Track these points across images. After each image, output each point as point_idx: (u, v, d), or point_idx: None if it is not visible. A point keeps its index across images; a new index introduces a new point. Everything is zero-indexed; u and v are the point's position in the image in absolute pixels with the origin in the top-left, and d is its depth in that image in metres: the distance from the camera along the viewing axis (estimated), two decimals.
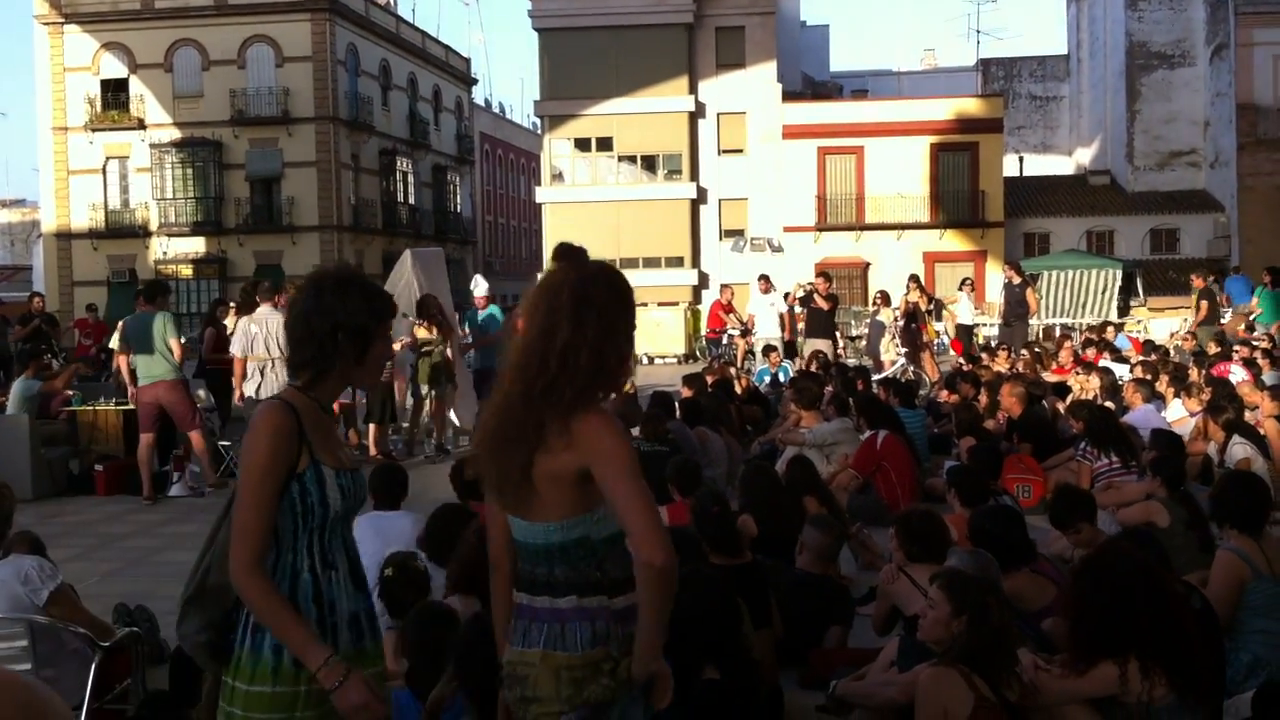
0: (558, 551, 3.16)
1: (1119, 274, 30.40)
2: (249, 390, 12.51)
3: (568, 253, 3.26)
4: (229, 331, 14.89)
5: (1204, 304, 22.01)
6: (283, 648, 3.19)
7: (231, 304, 15.97)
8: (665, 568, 3.00)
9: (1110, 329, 21.54)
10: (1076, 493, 7.13)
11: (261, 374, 12.45)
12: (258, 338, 12.44)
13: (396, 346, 14.58)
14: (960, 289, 25.31)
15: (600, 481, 3.06)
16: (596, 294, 3.17)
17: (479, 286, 16.88)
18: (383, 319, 3.39)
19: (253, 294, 14.96)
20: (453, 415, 15.70)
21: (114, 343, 15.94)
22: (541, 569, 3.19)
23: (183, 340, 12.83)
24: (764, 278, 23.17)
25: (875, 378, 16.47)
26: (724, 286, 26.43)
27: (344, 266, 3.56)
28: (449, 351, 15.02)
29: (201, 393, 14.95)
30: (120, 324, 15.94)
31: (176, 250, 49.13)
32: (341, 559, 3.35)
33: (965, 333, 24.31)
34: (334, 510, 3.30)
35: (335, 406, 15.40)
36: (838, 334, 22.85)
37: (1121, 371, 14.69)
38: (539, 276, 3.30)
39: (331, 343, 3.29)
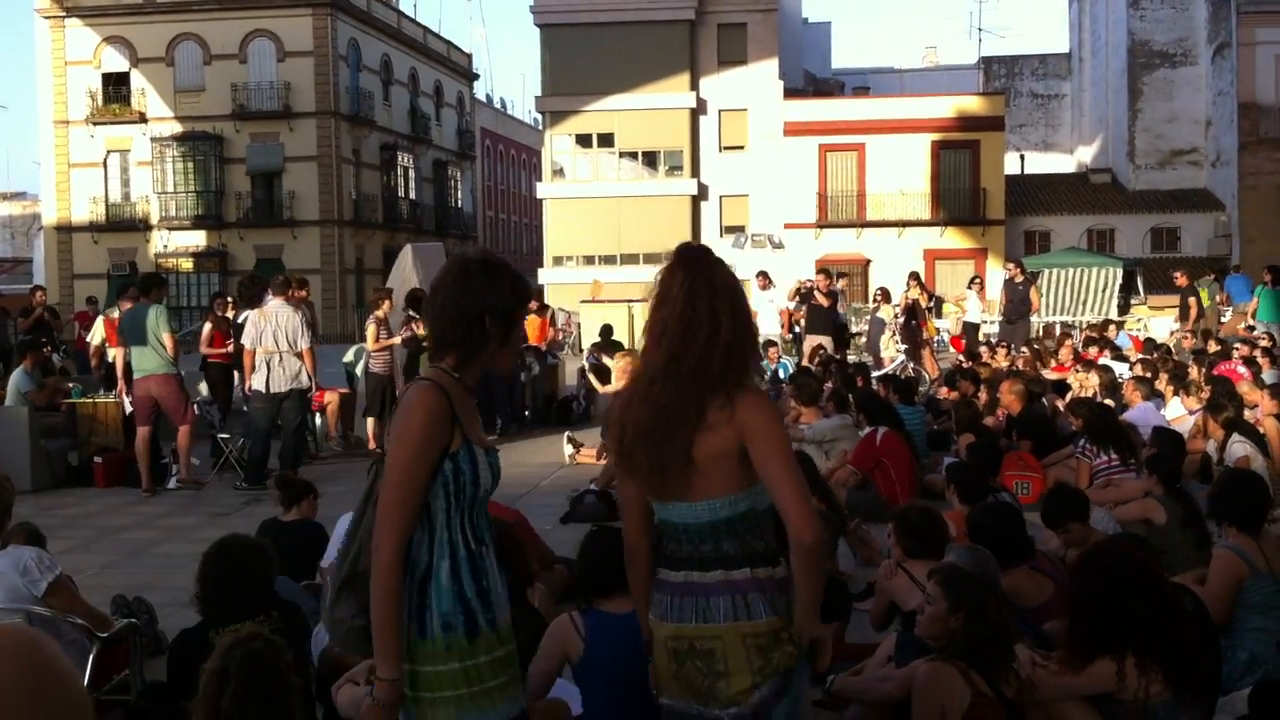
0: (725, 526, 3.31)
1: (1120, 272, 30.38)
2: (256, 383, 12.51)
3: (701, 254, 3.46)
4: (230, 326, 14.88)
5: (1191, 302, 22.26)
6: (453, 625, 3.27)
7: (230, 298, 15.96)
8: (815, 544, 3.24)
9: (1112, 328, 21.55)
10: (1067, 492, 7.12)
11: (268, 366, 12.46)
12: (267, 330, 12.46)
13: (396, 340, 14.62)
14: (969, 287, 25.34)
15: (755, 457, 3.25)
16: (740, 293, 3.45)
17: None
18: (525, 302, 3.50)
19: (252, 288, 14.96)
20: None
21: (93, 336, 15.94)
22: (708, 545, 3.33)
23: (177, 334, 12.84)
24: (762, 274, 23.16)
25: (875, 374, 16.47)
26: None
27: (487, 251, 3.65)
28: None
29: (203, 386, 14.94)
30: (102, 317, 15.99)
31: (177, 244, 49.16)
32: (488, 535, 3.44)
33: (973, 330, 24.31)
34: (484, 488, 3.39)
35: (335, 397, 15.49)
36: (849, 329, 22.88)
37: (1121, 370, 14.69)
38: (664, 277, 3.44)
39: (479, 326, 3.35)
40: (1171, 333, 23.85)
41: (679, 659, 3.36)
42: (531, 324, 17.11)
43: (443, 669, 3.27)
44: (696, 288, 3.35)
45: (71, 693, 1.37)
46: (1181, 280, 23.48)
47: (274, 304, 12.71)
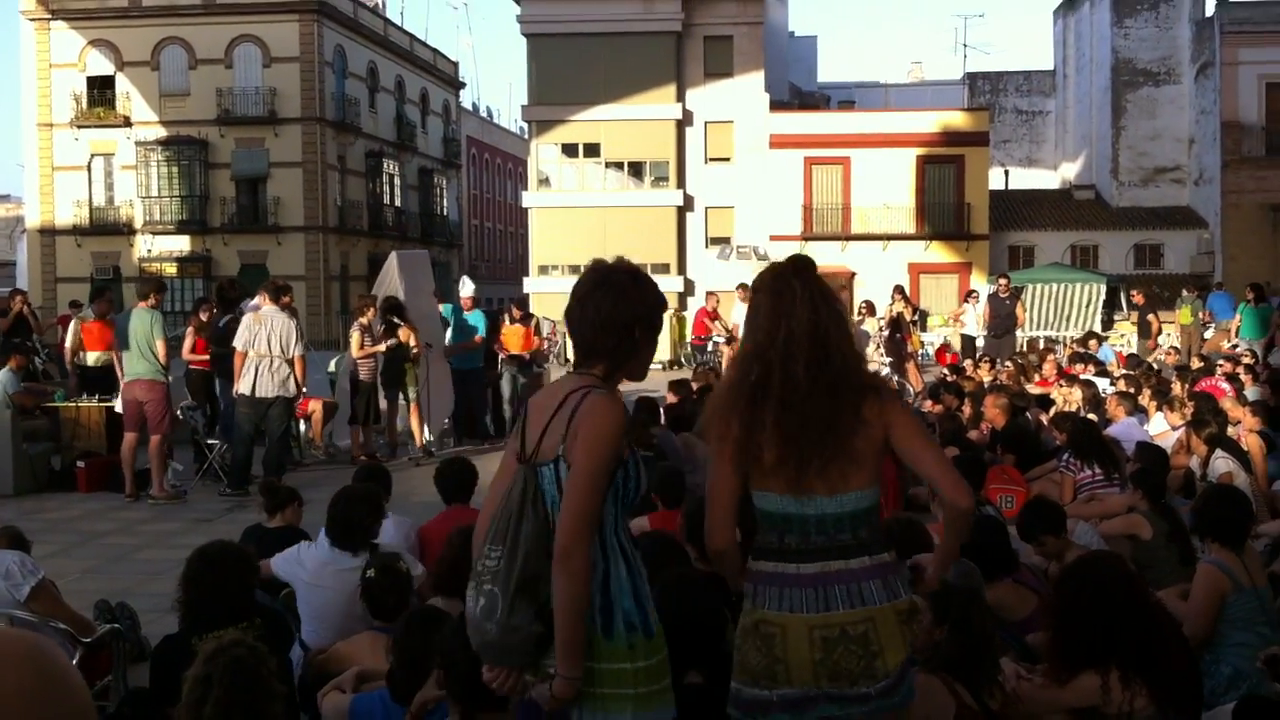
0: (863, 515, 3.55)
1: (1103, 288, 30.55)
2: (242, 387, 12.43)
3: (810, 265, 3.71)
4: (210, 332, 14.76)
5: (1151, 318, 22.77)
6: (635, 624, 3.41)
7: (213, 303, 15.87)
8: (970, 509, 3.62)
9: (1093, 341, 21.63)
10: (1042, 505, 7.09)
11: (256, 371, 12.40)
12: (260, 334, 12.41)
13: (381, 348, 14.59)
14: (966, 300, 25.44)
15: (905, 445, 3.55)
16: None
17: (465, 287, 17.11)
18: (664, 311, 3.65)
19: (231, 292, 14.90)
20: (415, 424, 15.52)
21: (68, 340, 15.92)
22: (846, 534, 3.53)
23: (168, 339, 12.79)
24: (743, 286, 23.20)
25: None
26: (709, 294, 26.46)
27: (626, 262, 3.69)
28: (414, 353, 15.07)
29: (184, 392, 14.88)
30: (76, 320, 15.95)
31: (161, 248, 49.00)
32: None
33: (970, 343, 24.41)
34: (640, 492, 3.54)
35: (319, 405, 15.44)
36: None
37: (1104, 385, 14.73)
38: (777, 287, 3.62)
39: (630, 335, 3.48)
40: (1151, 354, 24.02)
41: (828, 646, 3.47)
42: (515, 333, 17.05)
43: (628, 666, 3.38)
44: (816, 297, 3.58)
45: (79, 699, 1.38)
46: (1139, 299, 24.12)
47: (268, 309, 12.66)
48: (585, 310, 3.49)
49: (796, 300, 3.55)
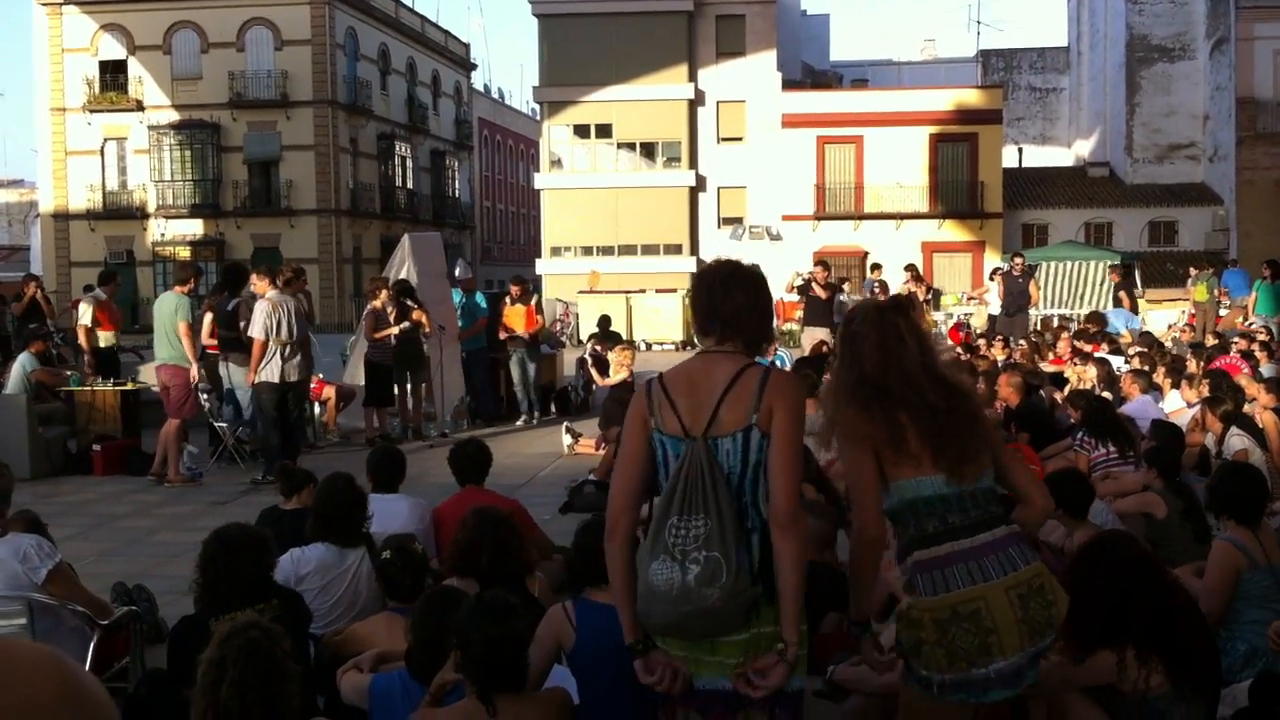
0: (996, 490, 3.90)
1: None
2: (268, 375, 12.35)
3: (909, 304, 4.22)
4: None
5: (1122, 295, 23.23)
6: None
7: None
8: (1050, 508, 4.21)
9: (1092, 324, 21.56)
10: (1065, 478, 7.05)
11: (281, 356, 12.38)
12: (282, 320, 12.40)
13: (394, 330, 14.62)
14: (990, 278, 25.40)
15: (995, 443, 3.96)
16: None
17: (463, 269, 17.59)
18: None
19: (237, 274, 14.86)
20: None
21: (82, 317, 16.00)
22: (993, 506, 3.86)
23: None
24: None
25: None
26: None
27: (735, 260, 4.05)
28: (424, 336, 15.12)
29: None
30: (90, 302, 16.05)
31: (174, 232, 49.06)
32: None
33: (994, 322, 24.37)
34: None
35: (333, 390, 15.46)
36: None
37: (1118, 363, 14.68)
38: (887, 321, 3.93)
39: (763, 319, 3.82)
40: (1170, 326, 23.95)
41: (1024, 602, 3.71)
42: (518, 313, 16.79)
43: (804, 628, 3.63)
44: (918, 333, 3.95)
45: (106, 707, 1.40)
46: (1114, 277, 24.50)
47: (274, 294, 12.64)
48: (731, 293, 3.76)
49: (905, 335, 3.87)
